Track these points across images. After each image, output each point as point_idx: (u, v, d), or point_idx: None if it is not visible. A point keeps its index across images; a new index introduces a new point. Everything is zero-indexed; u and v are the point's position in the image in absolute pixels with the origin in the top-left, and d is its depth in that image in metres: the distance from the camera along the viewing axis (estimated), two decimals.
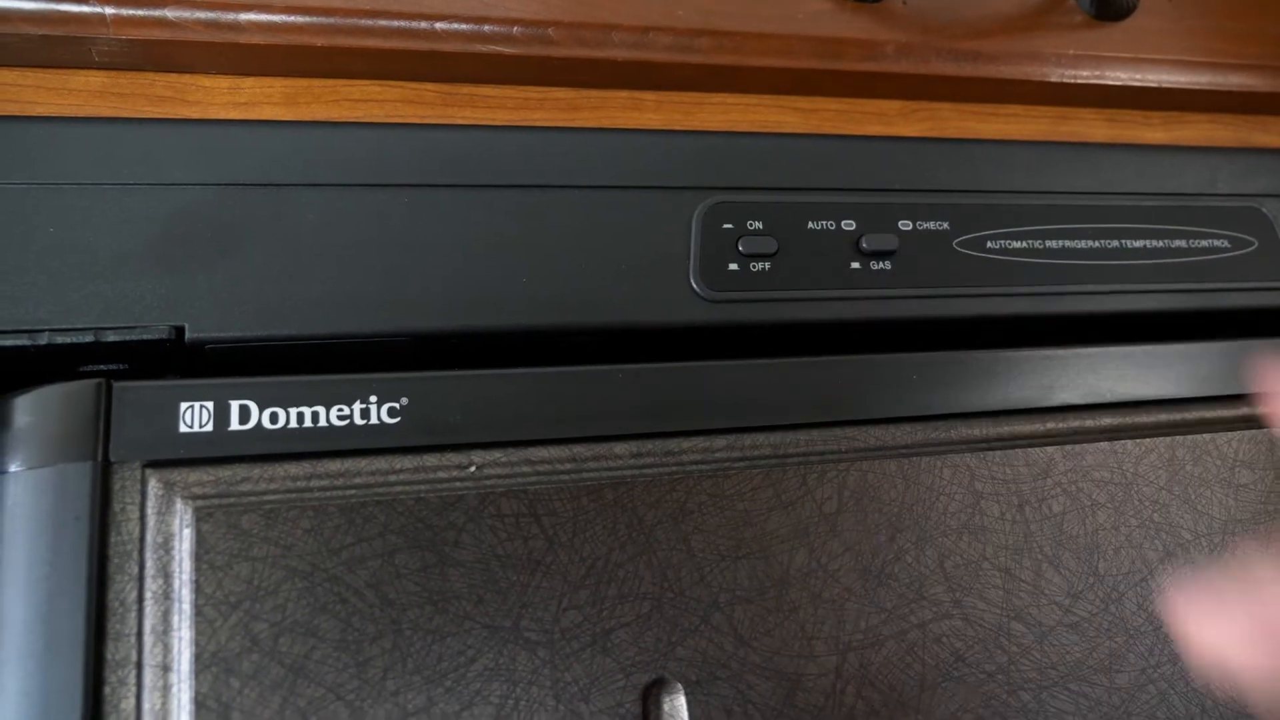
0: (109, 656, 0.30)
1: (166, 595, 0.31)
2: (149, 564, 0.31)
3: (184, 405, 0.33)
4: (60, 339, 0.34)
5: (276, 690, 0.30)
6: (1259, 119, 0.55)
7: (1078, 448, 0.39)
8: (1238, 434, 0.41)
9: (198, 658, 0.30)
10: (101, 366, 0.36)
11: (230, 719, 0.29)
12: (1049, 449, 0.38)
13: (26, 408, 0.33)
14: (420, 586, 0.31)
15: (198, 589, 0.30)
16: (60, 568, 0.31)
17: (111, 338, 0.34)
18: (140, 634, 0.30)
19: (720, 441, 0.36)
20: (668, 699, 0.31)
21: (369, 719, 0.30)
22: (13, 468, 0.32)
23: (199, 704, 0.29)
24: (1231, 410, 0.42)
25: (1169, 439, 0.40)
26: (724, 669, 0.32)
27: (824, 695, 0.33)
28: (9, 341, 0.33)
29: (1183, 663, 0.37)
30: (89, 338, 0.34)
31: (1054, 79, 0.49)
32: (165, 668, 0.30)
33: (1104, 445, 0.39)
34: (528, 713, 0.31)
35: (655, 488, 0.34)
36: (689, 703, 0.32)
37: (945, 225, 0.42)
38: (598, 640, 0.32)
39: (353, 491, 0.32)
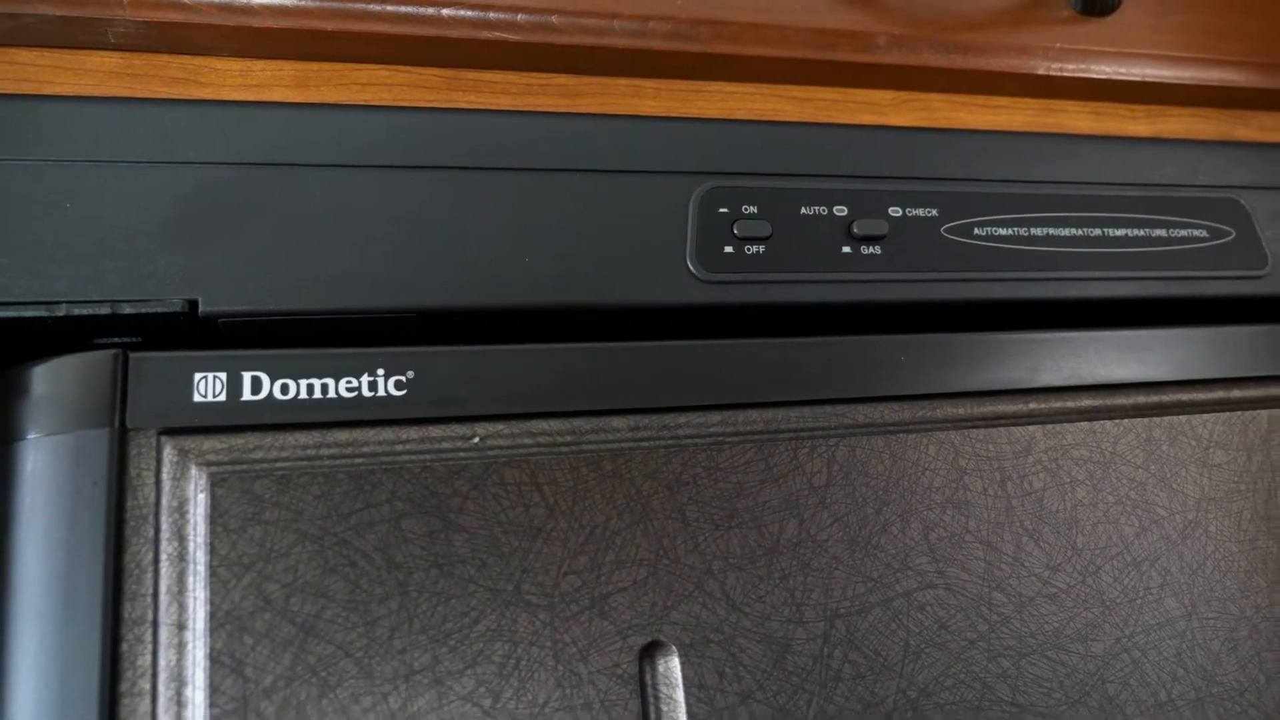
0: (126, 615, 0.31)
1: (182, 557, 0.32)
2: (164, 527, 0.32)
3: (198, 376, 0.34)
4: (77, 310, 0.35)
5: (288, 647, 0.31)
6: (1239, 113, 0.56)
7: (1058, 427, 0.40)
8: (1212, 416, 0.43)
9: (212, 616, 0.31)
10: (116, 339, 0.37)
11: (244, 675, 0.31)
12: (1031, 428, 0.40)
13: (45, 377, 0.34)
14: (426, 551, 0.33)
15: (212, 550, 0.32)
16: (78, 531, 0.32)
17: (127, 310, 0.35)
18: (156, 594, 0.32)
19: (715, 417, 0.37)
20: (663, 660, 0.33)
21: (377, 676, 0.31)
22: (32, 434, 0.33)
23: (214, 660, 0.31)
24: (1207, 394, 0.43)
25: (1146, 420, 0.42)
26: (717, 633, 0.34)
27: (812, 659, 0.34)
28: (28, 313, 0.34)
29: (1156, 635, 0.38)
30: (105, 310, 0.35)
31: (1041, 72, 0.50)
32: (180, 626, 0.31)
33: (1084, 425, 0.41)
34: (529, 671, 0.32)
35: (652, 460, 0.35)
36: (683, 664, 0.33)
37: (934, 212, 0.43)
38: (596, 604, 0.33)
39: (361, 460, 0.34)
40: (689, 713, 0.32)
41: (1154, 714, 0.37)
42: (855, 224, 0.42)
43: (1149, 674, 0.37)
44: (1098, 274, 0.45)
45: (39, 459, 0.33)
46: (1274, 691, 0.39)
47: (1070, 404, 0.41)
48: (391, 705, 0.31)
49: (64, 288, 0.35)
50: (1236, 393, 0.44)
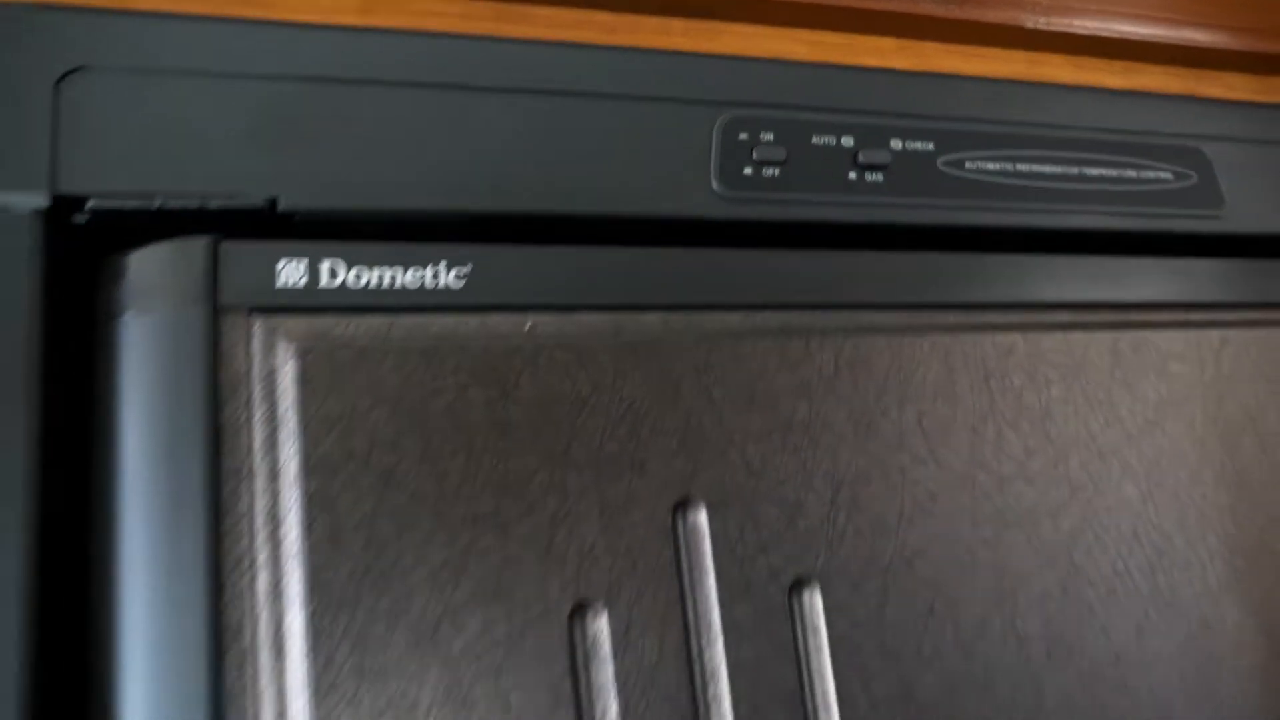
0: (225, 466, 0.36)
1: (273, 417, 0.36)
2: (256, 393, 0.37)
3: (281, 262, 0.38)
4: (171, 203, 0.39)
5: (370, 494, 0.36)
6: (1207, 72, 0.61)
7: (1037, 335, 0.45)
8: (1171, 333, 0.48)
9: (304, 464, 0.36)
10: (200, 235, 0.41)
11: (334, 513, 0.35)
12: (1012, 335, 0.45)
13: (144, 261, 0.38)
14: (487, 416, 0.37)
15: (302, 409, 0.36)
16: (179, 398, 0.36)
17: (214, 204, 0.39)
18: (251, 448, 0.36)
19: (735, 316, 0.42)
20: (693, 514, 0.38)
21: (446, 520, 0.36)
22: (132, 314, 0.37)
23: (306, 503, 0.35)
24: (1167, 315, 0.49)
25: (1114, 333, 0.47)
26: (738, 494, 0.39)
27: (819, 520, 0.39)
28: (129, 204, 0.38)
29: (1116, 515, 0.44)
30: (195, 203, 0.39)
31: (1029, 25, 0.55)
32: (274, 475, 0.36)
33: (1059, 335, 0.46)
34: (577, 521, 0.37)
35: (682, 348, 0.40)
36: (709, 518, 0.38)
37: (931, 146, 0.48)
38: (635, 466, 0.38)
39: (428, 339, 0.38)
40: (715, 560, 0.37)
41: (1111, 580, 0.42)
42: (860, 153, 0.47)
43: (1109, 546, 0.43)
44: (1074, 207, 0.50)
45: (139, 337, 0.37)
46: (1216, 566, 0.44)
47: (1048, 317, 0.46)
48: (460, 543, 0.36)
49: (158, 185, 0.39)
50: (1193, 315, 0.49)
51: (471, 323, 0.39)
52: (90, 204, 0.38)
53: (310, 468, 0.35)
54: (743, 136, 0.45)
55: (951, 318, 0.45)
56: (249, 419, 0.36)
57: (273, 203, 0.40)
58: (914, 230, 0.47)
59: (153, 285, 0.38)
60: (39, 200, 0.37)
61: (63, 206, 0.38)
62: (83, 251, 0.39)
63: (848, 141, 0.47)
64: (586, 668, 0.35)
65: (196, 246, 0.38)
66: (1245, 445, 0.48)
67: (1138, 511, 0.44)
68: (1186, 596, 0.44)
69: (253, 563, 0.35)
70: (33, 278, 0.37)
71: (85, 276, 0.39)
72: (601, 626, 0.36)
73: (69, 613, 0.36)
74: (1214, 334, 0.49)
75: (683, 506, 0.38)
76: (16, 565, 0.34)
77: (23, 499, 0.35)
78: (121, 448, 0.37)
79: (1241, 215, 0.53)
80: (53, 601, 0.36)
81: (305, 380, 0.37)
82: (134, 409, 0.37)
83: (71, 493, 0.37)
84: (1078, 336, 0.46)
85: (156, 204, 0.39)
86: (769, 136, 0.46)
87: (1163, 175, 0.52)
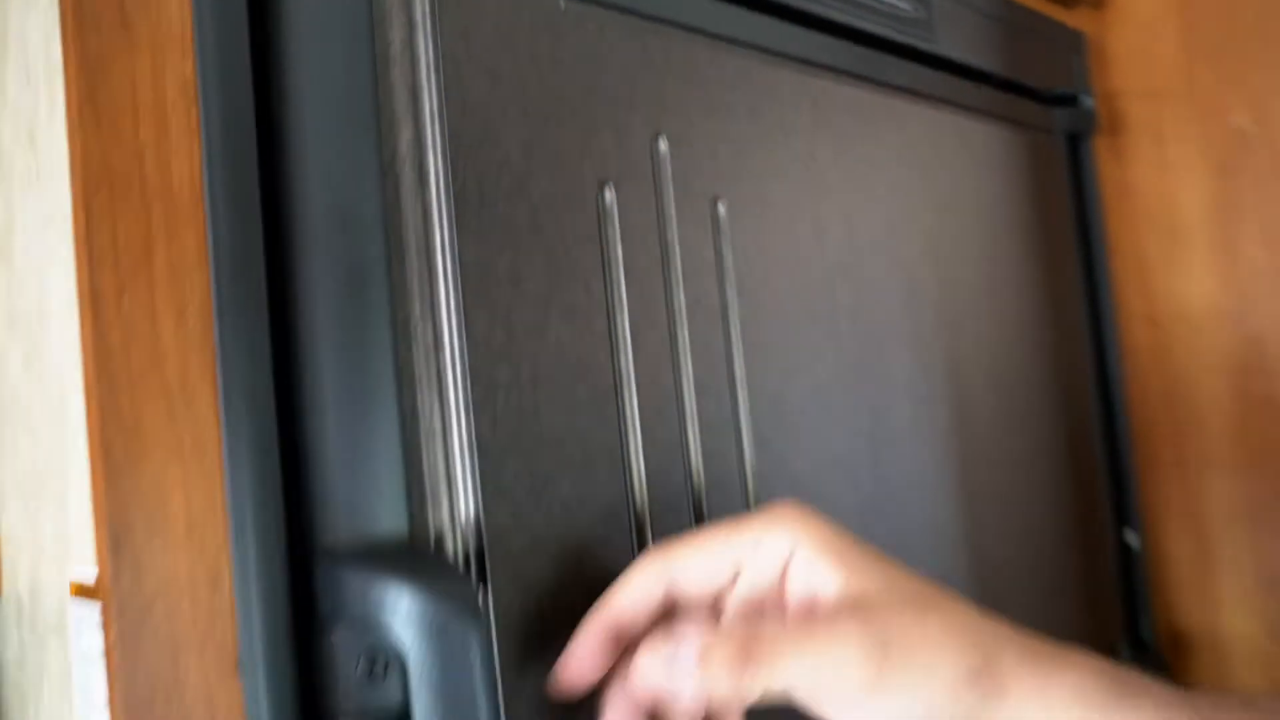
0: (377, 51, 0.51)
1: (409, 22, 0.52)
2: (396, 6, 0.52)
3: None
4: None
5: (484, 88, 0.53)
6: None
7: (838, 86, 0.72)
8: (907, 104, 0.77)
9: (435, 59, 0.52)
10: None
11: (461, 94, 0.52)
12: (828, 83, 0.71)
13: None
14: (549, 53, 0.56)
15: (434, 19, 0.52)
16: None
17: None
18: (394, 42, 0.51)
19: (683, 33, 0.63)
20: (662, 144, 0.59)
21: (528, 116, 0.54)
22: None
23: (443, 85, 0.52)
24: (904, 95, 0.78)
25: (878, 96, 0.75)
26: (685, 136, 0.61)
27: (727, 161, 0.63)
28: None
29: (874, 201, 0.72)
30: None
31: None
32: (414, 64, 0.52)
33: (852, 90, 0.73)
34: (600, 133, 0.57)
35: (655, 41, 0.61)
36: (669, 148, 0.60)
37: None
38: (631, 106, 0.58)
39: None
40: (672, 175, 0.60)
41: (867, 238, 0.71)
42: None
43: (867, 216, 0.71)
44: (862, 15, 0.76)
45: None
46: (919, 242, 0.75)
47: (846, 80, 0.73)
48: (535, 131, 0.54)
49: None
50: (916, 98, 0.79)
51: None
52: None
53: (444, 58, 0.52)
54: None
55: (797, 65, 0.70)
56: (392, 21, 0.52)
57: None
58: (783, 8, 0.71)
59: None
60: None
61: None
62: None
63: None
64: (605, 222, 0.56)
65: None
66: (938, 171, 0.79)
67: (881, 201, 0.73)
68: (905, 258, 0.74)
69: (398, 121, 0.51)
70: None
71: None
72: (613, 199, 0.57)
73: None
74: (927, 110, 0.79)
75: (656, 138, 0.59)
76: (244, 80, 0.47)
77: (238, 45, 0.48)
78: (292, 34, 0.50)
79: (943, 45, 0.83)
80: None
81: None
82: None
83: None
84: (861, 93, 0.73)
85: None
86: None
87: (906, 7, 0.81)
